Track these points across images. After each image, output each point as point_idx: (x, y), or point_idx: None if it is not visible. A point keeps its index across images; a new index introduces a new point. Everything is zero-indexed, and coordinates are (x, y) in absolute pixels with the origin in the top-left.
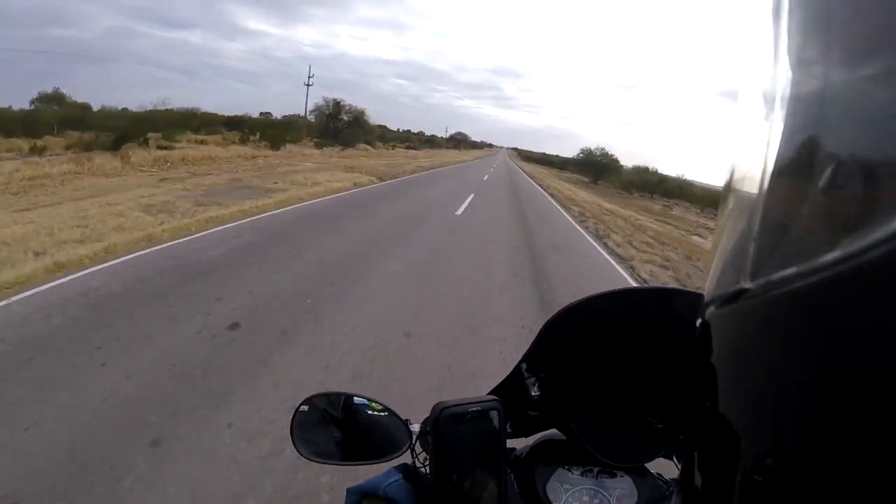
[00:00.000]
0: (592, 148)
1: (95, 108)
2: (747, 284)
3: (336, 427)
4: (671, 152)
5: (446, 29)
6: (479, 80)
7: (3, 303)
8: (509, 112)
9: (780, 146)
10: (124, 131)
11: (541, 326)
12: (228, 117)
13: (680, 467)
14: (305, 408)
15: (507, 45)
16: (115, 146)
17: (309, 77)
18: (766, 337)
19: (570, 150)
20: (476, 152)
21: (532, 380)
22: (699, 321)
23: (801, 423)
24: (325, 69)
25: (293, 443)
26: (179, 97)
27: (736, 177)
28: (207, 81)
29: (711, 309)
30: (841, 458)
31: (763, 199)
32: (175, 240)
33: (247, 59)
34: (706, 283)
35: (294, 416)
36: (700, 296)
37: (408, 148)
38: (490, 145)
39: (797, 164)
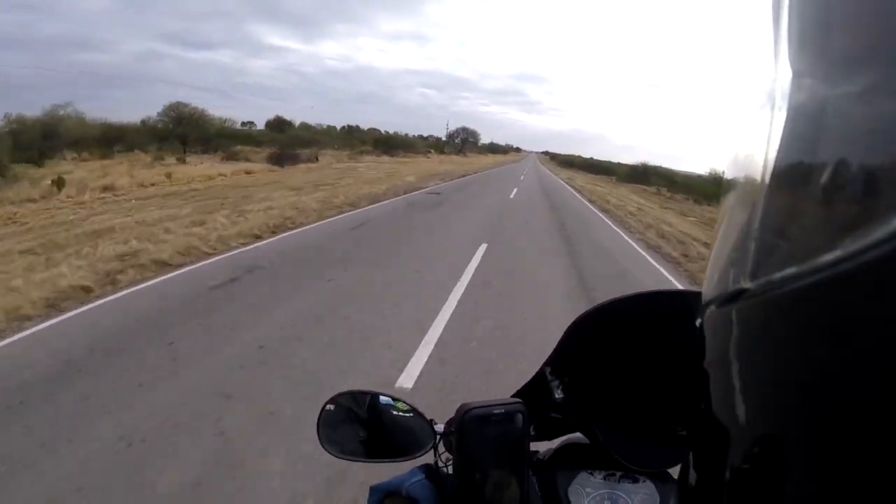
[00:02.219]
0: None
1: None
2: (747, 284)
3: (361, 426)
4: (703, 150)
5: (468, 37)
6: (504, 87)
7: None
8: (536, 117)
9: (780, 145)
10: None
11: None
12: None
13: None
14: (331, 406)
15: (529, 49)
16: None
17: None
18: (766, 337)
19: (599, 153)
20: (487, 159)
21: (556, 383)
22: (699, 321)
23: (800, 423)
24: (350, 82)
25: (319, 440)
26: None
27: (736, 176)
28: (231, 98)
29: (711, 309)
30: (840, 458)
31: (763, 198)
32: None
33: (274, 76)
34: (705, 283)
35: (321, 415)
36: None
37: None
38: (517, 149)
39: (797, 163)
